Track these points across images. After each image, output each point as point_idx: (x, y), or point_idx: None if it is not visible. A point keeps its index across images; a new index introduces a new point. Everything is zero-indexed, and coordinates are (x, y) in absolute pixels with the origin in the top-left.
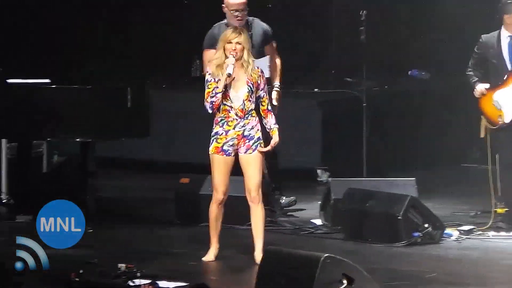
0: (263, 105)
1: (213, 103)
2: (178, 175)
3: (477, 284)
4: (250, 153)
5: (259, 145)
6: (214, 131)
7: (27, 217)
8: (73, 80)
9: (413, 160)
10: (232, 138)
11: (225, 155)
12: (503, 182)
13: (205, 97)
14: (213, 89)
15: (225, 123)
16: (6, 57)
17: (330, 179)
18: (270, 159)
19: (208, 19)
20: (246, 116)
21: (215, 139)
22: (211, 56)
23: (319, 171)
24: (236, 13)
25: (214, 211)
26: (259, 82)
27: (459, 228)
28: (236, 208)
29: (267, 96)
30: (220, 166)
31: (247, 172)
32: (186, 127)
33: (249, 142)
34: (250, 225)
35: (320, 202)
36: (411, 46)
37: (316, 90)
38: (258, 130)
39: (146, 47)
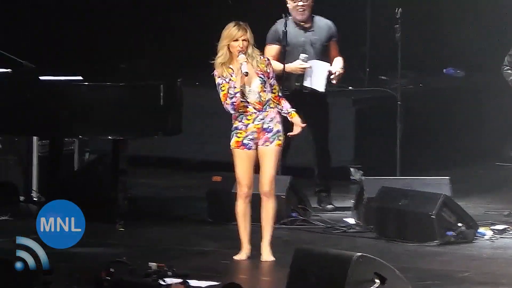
0: (274, 93)
1: (234, 103)
2: (211, 173)
3: (510, 284)
4: (267, 145)
5: (277, 137)
6: (234, 126)
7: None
8: (105, 77)
9: (447, 158)
10: (252, 132)
11: (246, 149)
12: None
13: (223, 99)
14: (229, 90)
15: (244, 117)
16: (39, 54)
17: (363, 177)
18: (320, 158)
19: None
20: (264, 108)
21: (235, 134)
22: (272, 51)
23: (352, 170)
24: (300, 4)
25: (241, 206)
26: (268, 71)
27: (492, 228)
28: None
29: (277, 84)
30: (242, 160)
31: (262, 165)
32: (218, 125)
33: (268, 134)
34: (283, 223)
35: (353, 201)
36: (446, 44)
37: (350, 88)
38: (277, 122)
39: (180, 44)
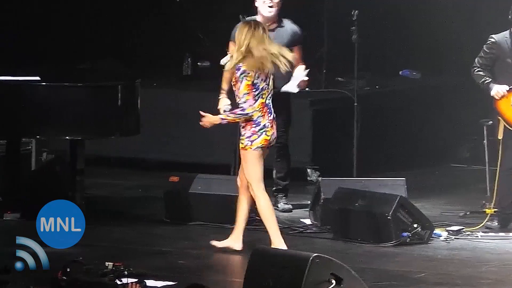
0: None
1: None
2: (168, 173)
3: (465, 284)
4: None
5: None
6: (262, 123)
7: (15, 215)
8: (63, 78)
9: (403, 160)
10: (272, 126)
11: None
12: (500, 183)
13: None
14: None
15: (263, 115)
16: None
17: (320, 178)
18: (280, 159)
19: (200, 17)
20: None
21: (264, 132)
22: (232, 47)
23: (309, 171)
24: (268, 1)
25: (269, 201)
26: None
27: (448, 229)
28: (226, 207)
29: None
30: (262, 159)
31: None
32: (176, 126)
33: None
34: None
35: (309, 202)
36: (403, 46)
37: (307, 89)
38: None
39: (138, 46)
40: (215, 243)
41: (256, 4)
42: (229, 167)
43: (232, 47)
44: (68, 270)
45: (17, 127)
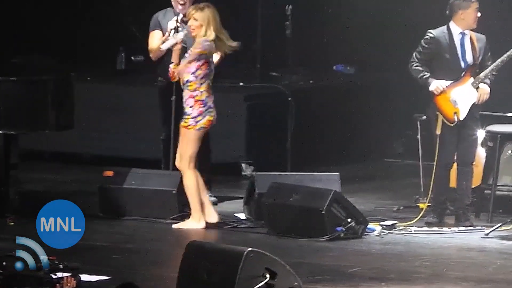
0: None
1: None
2: (103, 168)
3: (399, 279)
4: None
5: None
6: (208, 104)
7: None
8: None
9: (337, 155)
10: None
11: None
12: (436, 179)
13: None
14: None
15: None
16: None
17: (254, 173)
18: (203, 154)
19: (134, 11)
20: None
21: (208, 113)
22: (155, 37)
23: (243, 165)
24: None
25: (195, 179)
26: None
27: (381, 223)
28: (161, 202)
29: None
30: (201, 139)
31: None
32: (110, 120)
33: None
34: (174, 219)
35: (244, 196)
36: (336, 41)
37: (241, 84)
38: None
39: (72, 40)
40: (179, 225)
41: None
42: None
43: (156, 36)
44: (4, 264)
45: None
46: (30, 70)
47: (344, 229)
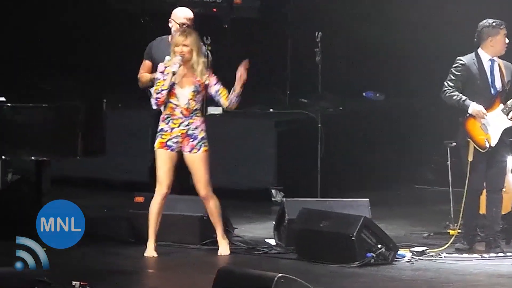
0: (224, 95)
1: (158, 99)
2: (133, 194)
3: None
4: (195, 152)
5: (203, 144)
6: (160, 127)
7: None
8: (29, 98)
9: (367, 181)
10: (176, 136)
11: (169, 150)
12: (466, 205)
13: (152, 93)
14: (160, 86)
15: (171, 120)
16: None
17: (284, 199)
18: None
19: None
20: (191, 115)
21: (160, 135)
22: (144, 67)
23: (273, 191)
24: (183, 28)
25: (157, 205)
26: (206, 83)
27: (412, 249)
28: (190, 227)
29: (223, 88)
30: (164, 161)
31: (194, 173)
32: (141, 146)
33: (193, 141)
34: (204, 244)
35: (274, 222)
36: (366, 68)
37: (271, 110)
38: (202, 130)
39: (105, 66)
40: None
41: (171, 25)
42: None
43: (146, 66)
44: None
45: None
46: (60, 96)
47: (374, 255)
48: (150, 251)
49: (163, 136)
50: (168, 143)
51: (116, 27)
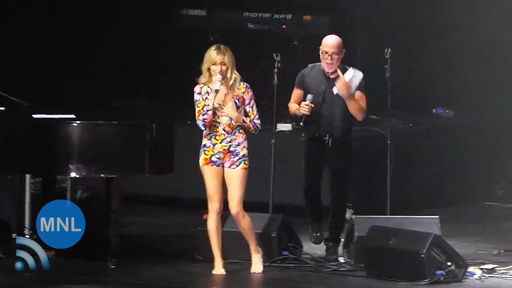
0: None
1: (205, 120)
2: (202, 211)
3: None
4: (234, 168)
5: (243, 161)
6: (202, 143)
7: (50, 253)
8: (98, 115)
9: (437, 198)
10: (219, 152)
11: (215, 166)
12: None
13: (197, 115)
14: (203, 107)
15: (213, 137)
16: (32, 92)
17: (353, 216)
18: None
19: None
20: (234, 131)
21: (203, 151)
22: (295, 95)
23: None
24: (326, 56)
25: (213, 222)
26: (244, 97)
27: (482, 267)
28: (261, 245)
29: (253, 111)
30: (211, 177)
31: (229, 189)
32: None
33: (234, 157)
34: (273, 262)
35: (343, 239)
36: (436, 84)
37: None
38: (244, 147)
39: (174, 84)
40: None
41: (321, 53)
42: (264, 204)
43: (298, 92)
44: None
45: (52, 165)
46: (130, 114)
47: (444, 273)
48: (218, 269)
49: (207, 152)
50: (213, 158)
51: (187, 46)
